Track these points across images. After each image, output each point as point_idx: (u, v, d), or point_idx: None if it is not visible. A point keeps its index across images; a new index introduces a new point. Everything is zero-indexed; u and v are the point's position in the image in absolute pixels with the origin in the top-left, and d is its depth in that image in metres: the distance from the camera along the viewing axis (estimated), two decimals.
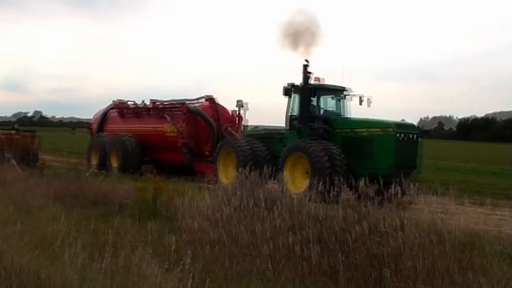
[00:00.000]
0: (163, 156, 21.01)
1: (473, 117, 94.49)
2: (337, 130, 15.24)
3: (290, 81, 16.08)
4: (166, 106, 21.83)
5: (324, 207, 7.45)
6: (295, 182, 14.52)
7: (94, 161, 22.55)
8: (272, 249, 6.54)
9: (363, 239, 6.42)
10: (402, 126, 14.51)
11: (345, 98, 16.33)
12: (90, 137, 25.20)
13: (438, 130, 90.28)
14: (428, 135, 78.25)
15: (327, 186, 11.86)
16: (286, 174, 14.27)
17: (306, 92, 15.42)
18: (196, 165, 19.59)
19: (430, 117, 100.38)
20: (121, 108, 23.75)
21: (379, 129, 14.52)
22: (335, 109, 16.41)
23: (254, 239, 6.81)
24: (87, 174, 14.85)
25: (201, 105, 20.80)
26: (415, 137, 14.32)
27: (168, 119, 20.64)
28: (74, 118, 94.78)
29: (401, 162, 13.77)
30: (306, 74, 15.32)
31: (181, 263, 5.49)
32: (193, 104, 20.80)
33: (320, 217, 6.95)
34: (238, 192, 8.26)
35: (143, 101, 23.33)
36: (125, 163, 20.67)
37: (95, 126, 24.66)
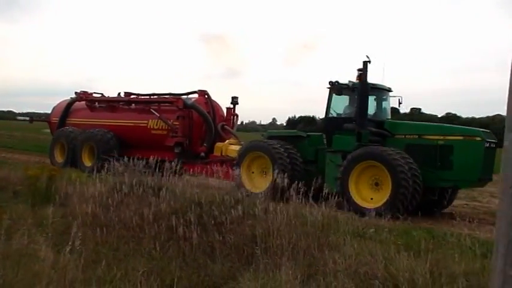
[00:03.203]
0: (146, 155, 15.34)
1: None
2: (398, 135, 13.55)
3: (333, 79, 14.17)
4: (154, 99, 19.49)
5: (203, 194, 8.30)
6: (361, 192, 12.83)
7: (60, 159, 20.12)
8: (157, 231, 7.17)
9: (238, 221, 7.31)
10: (487, 134, 12.88)
11: (387, 99, 14.85)
12: (50, 132, 22.46)
13: (303, 127, 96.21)
14: None
15: (408, 201, 11.85)
16: (352, 187, 12.72)
17: (366, 91, 13.65)
18: (190, 167, 16.55)
19: (297, 116, 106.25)
20: (91, 100, 21.07)
21: (461, 137, 12.74)
22: (379, 111, 14.65)
23: (141, 222, 7.43)
24: None
25: (195, 100, 18.60)
26: (493, 145, 12.87)
27: (156, 114, 18.42)
28: None
29: (484, 174, 12.70)
30: (366, 72, 13.56)
31: (71, 244, 6.02)
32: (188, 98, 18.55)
33: (201, 202, 7.76)
34: (127, 180, 8.89)
35: (119, 94, 20.84)
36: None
37: (55, 120, 21.79)
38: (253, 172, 15.08)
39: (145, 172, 9.75)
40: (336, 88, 14.06)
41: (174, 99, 18.49)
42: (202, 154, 17.81)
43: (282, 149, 14.17)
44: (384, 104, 14.81)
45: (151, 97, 19.76)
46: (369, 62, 13.48)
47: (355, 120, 13.56)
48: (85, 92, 21.42)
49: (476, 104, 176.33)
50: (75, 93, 21.55)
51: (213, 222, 7.30)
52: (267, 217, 7.19)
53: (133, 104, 19.80)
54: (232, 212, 7.31)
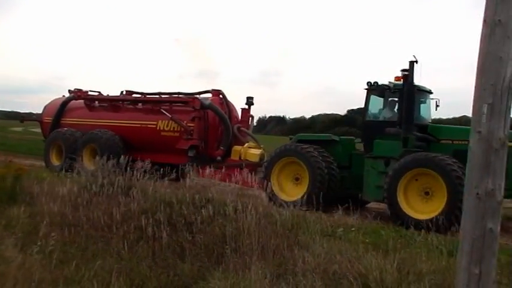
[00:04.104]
0: (154, 158, 14.06)
1: (303, 118, 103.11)
2: (445, 140, 12.52)
3: (372, 80, 13.35)
4: (165, 99, 17.88)
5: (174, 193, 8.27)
6: (410, 202, 11.64)
7: (57, 162, 18.54)
8: (126, 230, 7.12)
9: (208, 221, 7.30)
10: None
11: (427, 102, 13.85)
12: (42, 133, 20.93)
13: (274, 127, 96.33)
14: (266, 131, 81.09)
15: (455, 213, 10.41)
16: (401, 197, 11.60)
17: (412, 94, 12.52)
18: (203, 172, 15.18)
19: (267, 116, 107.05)
20: (91, 99, 19.44)
21: None
22: (420, 114, 13.60)
23: (111, 222, 7.36)
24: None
25: (211, 100, 17.07)
26: None
27: (167, 114, 16.91)
28: None
29: None
30: (412, 73, 12.45)
31: (39, 244, 5.96)
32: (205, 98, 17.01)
33: (172, 201, 7.74)
34: (98, 179, 8.80)
35: (122, 92, 19.13)
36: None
37: (48, 119, 20.04)
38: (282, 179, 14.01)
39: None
40: (378, 90, 13.28)
41: (190, 99, 17.03)
42: (219, 158, 16.56)
43: (318, 154, 13.23)
44: (425, 107, 13.84)
45: (162, 96, 18.14)
46: (416, 62, 12.38)
47: (398, 124, 12.45)
48: (80, 90, 19.85)
49: (442, 105, 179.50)
50: (69, 91, 20.10)
51: (183, 221, 7.28)
52: (237, 217, 7.20)
53: (140, 104, 18.36)
54: (203, 211, 7.30)
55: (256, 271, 5.67)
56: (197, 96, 17.12)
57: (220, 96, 17.50)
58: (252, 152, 16.39)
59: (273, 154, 14.18)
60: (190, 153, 16.12)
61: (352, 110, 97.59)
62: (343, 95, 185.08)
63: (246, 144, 16.83)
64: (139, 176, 9.16)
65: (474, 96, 3.30)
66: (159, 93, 18.22)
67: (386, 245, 7.19)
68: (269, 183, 12.56)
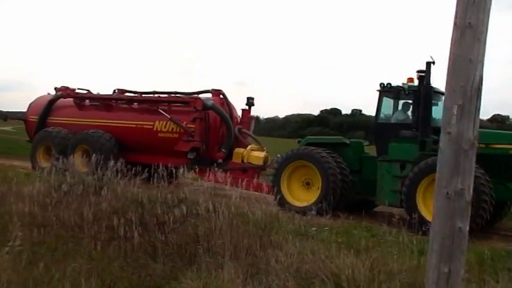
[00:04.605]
0: (150, 160, 13.42)
1: (276, 118, 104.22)
2: None
3: (385, 82, 12.86)
4: (163, 99, 17.01)
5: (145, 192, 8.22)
6: (429, 207, 10.66)
7: (44, 163, 16.88)
8: (98, 230, 7.05)
9: (181, 220, 7.28)
10: None
11: (438, 104, 12.95)
12: (27, 132, 19.61)
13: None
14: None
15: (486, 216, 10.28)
16: (420, 202, 11.12)
17: (430, 96, 12.05)
18: (204, 175, 14.56)
19: None
20: (81, 98, 18.46)
21: None
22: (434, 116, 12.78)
23: (81, 222, 7.29)
24: None
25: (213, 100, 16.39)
26: None
27: (166, 115, 16.11)
28: None
29: None
30: (429, 74, 12.00)
31: (8, 245, 5.86)
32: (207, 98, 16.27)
33: (143, 201, 7.70)
34: (68, 179, 8.70)
35: (114, 91, 18.23)
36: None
37: (33, 118, 18.85)
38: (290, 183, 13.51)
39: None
40: (394, 91, 12.62)
41: (191, 99, 16.29)
42: (220, 160, 15.78)
43: (330, 158, 12.76)
44: (437, 109, 12.93)
45: (160, 96, 17.27)
46: (433, 63, 11.89)
47: (415, 127, 12.09)
48: (66, 88, 18.94)
49: None
50: (55, 88, 19.16)
51: (155, 221, 7.24)
52: (209, 216, 7.19)
53: (136, 103, 17.50)
54: (175, 211, 7.27)
55: (229, 271, 5.67)
56: (198, 96, 16.51)
57: (221, 96, 16.86)
58: (256, 154, 15.87)
59: (283, 157, 13.59)
60: (190, 156, 15.56)
61: (325, 110, 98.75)
62: (316, 96, 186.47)
63: (249, 147, 16.29)
64: (111, 176, 9.08)
65: (445, 98, 3.35)
66: (154, 92, 17.49)
67: (358, 245, 7.26)
68: (279, 187, 12.74)
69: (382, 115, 13.20)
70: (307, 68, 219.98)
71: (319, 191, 12.66)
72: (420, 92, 12.10)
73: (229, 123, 16.06)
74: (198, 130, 15.72)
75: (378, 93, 13.13)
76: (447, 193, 3.24)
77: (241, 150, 16.09)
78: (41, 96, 19.73)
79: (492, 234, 11.13)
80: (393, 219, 9.16)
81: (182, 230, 7.08)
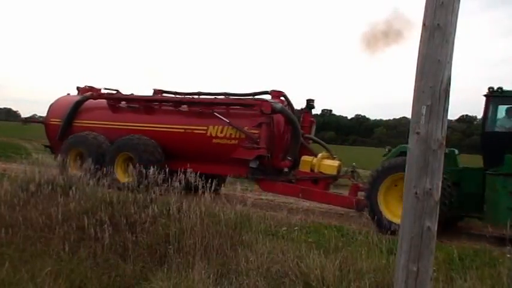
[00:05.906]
0: (203, 169, 11.93)
1: None
2: None
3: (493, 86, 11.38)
4: (220, 101, 15.04)
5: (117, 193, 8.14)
6: None
7: (75, 170, 13.94)
8: (67, 231, 6.96)
9: (152, 220, 7.24)
10: None
11: None
12: (47, 136, 17.65)
13: None
14: None
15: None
16: None
17: None
18: (270, 186, 14.15)
19: None
20: (114, 99, 16.51)
21: None
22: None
23: (49, 222, 7.19)
24: None
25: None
26: None
27: (223, 119, 14.40)
28: None
29: None
30: None
31: None
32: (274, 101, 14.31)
33: (113, 201, 7.62)
34: (36, 178, 8.58)
35: (155, 91, 16.43)
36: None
37: (56, 121, 16.85)
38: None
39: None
40: (504, 97, 11.35)
41: (257, 101, 14.34)
42: (286, 170, 14.60)
43: None
44: None
45: (217, 97, 15.29)
46: None
47: None
48: (92, 88, 17.29)
49: (381, 106, 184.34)
50: (78, 88, 17.62)
51: (125, 221, 7.18)
52: (180, 216, 7.17)
53: (184, 105, 15.49)
54: (146, 211, 7.23)
55: (199, 271, 5.68)
56: (265, 98, 14.62)
57: (282, 98, 14.91)
58: (329, 163, 14.21)
59: (378, 169, 11.92)
60: (253, 164, 13.94)
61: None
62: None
63: (320, 155, 14.50)
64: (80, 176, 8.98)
65: (413, 98, 3.39)
66: (202, 93, 15.62)
67: (328, 244, 7.30)
68: (375, 204, 11.46)
69: (494, 123, 11.71)
70: (276, 67, 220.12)
71: None
72: None
73: (297, 128, 14.48)
74: (264, 136, 13.98)
75: (484, 98, 11.59)
76: (416, 193, 3.28)
77: (309, 158, 14.42)
78: (61, 97, 17.90)
79: (460, 234, 11.30)
80: (363, 219, 9.26)
81: (153, 230, 7.05)
